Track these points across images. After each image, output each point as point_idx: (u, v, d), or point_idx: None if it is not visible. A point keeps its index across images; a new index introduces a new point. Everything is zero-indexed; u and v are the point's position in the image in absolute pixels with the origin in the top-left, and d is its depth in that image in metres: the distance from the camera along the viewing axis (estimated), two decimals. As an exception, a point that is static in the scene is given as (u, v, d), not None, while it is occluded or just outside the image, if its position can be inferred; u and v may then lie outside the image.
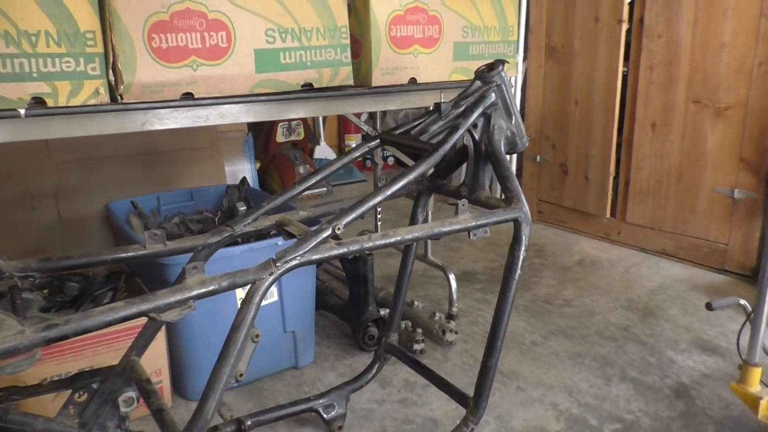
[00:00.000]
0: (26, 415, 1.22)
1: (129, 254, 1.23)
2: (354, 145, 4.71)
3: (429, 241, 2.33)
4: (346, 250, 1.17)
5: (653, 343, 2.12)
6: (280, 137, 3.92)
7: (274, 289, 1.81)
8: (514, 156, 3.42)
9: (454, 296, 2.26)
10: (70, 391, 1.27)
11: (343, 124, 4.65)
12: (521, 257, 1.35)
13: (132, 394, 1.29)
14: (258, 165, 3.24)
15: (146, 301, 0.97)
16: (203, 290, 1.02)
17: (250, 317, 1.05)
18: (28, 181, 2.35)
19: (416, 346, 1.98)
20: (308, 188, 1.40)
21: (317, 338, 2.07)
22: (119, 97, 1.33)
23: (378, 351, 1.71)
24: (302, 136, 4.09)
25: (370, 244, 1.19)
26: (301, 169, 3.77)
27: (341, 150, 4.75)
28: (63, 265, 1.17)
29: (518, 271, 1.36)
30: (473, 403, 1.42)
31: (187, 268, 1.03)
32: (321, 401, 1.60)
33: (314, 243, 1.12)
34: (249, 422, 1.48)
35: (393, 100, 1.80)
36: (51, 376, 1.47)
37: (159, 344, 1.69)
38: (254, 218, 1.34)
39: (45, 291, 1.78)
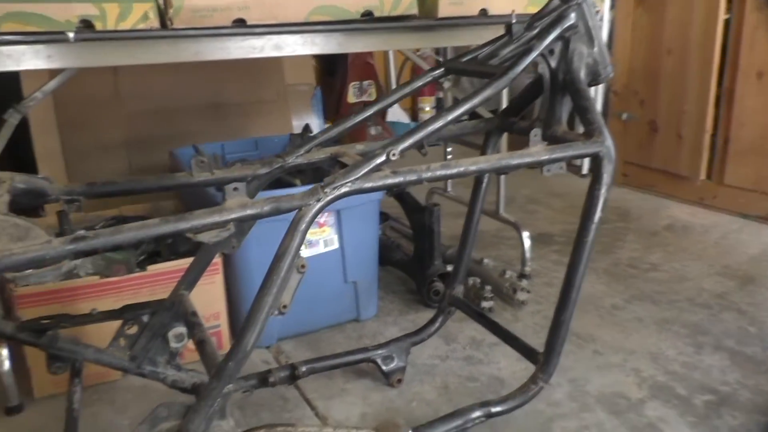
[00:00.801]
0: (77, 344, 1.20)
1: (175, 182, 1.17)
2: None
3: (502, 196, 2.18)
4: (402, 179, 1.06)
5: (753, 312, 1.89)
6: (351, 97, 3.83)
7: (334, 236, 1.74)
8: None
9: (528, 255, 2.11)
10: (120, 323, 1.25)
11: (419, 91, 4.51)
12: (602, 197, 1.20)
13: (182, 329, 1.25)
14: (328, 125, 3.17)
15: (183, 219, 0.90)
16: (243, 213, 0.95)
17: (295, 245, 0.97)
18: (100, 131, 2.38)
19: (484, 304, 1.86)
20: (366, 119, 1.30)
21: (381, 293, 1.99)
22: (169, 22, 1.27)
23: (442, 304, 1.60)
24: (374, 96, 3.98)
25: (429, 174, 1.08)
26: (373, 131, 3.68)
27: (415, 114, 4.62)
28: (107, 190, 1.13)
29: (598, 214, 1.21)
30: (543, 360, 1.29)
31: (227, 188, 0.96)
32: (379, 352, 1.52)
33: (366, 169, 1.02)
34: (303, 368, 1.42)
35: (461, 35, 1.66)
36: (108, 312, 1.46)
37: (217, 288, 1.65)
38: (307, 149, 1.26)
39: (109, 233, 1.78)
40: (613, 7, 3.09)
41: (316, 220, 1.71)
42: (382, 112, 4.14)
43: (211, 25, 1.31)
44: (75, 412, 1.25)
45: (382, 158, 1.04)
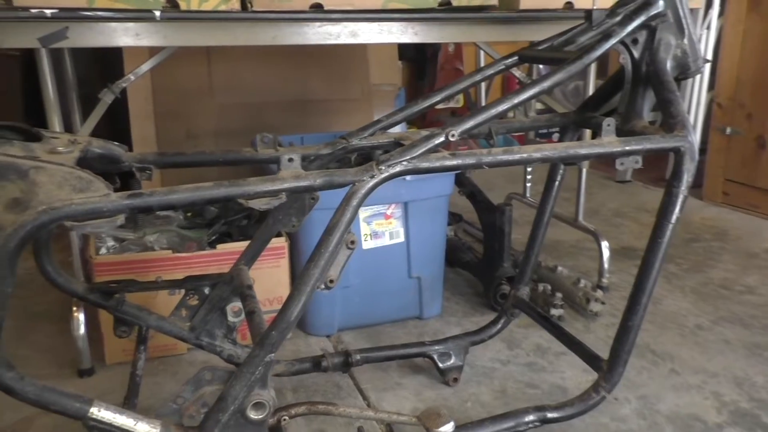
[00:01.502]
0: (141, 310, 1.26)
1: (240, 157, 1.20)
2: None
3: (581, 203, 2.08)
4: (460, 162, 1.03)
5: None
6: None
7: (400, 229, 1.72)
8: (698, 125, 2.99)
9: (606, 265, 2.00)
10: (182, 293, 1.29)
11: (506, 91, 4.43)
12: (681, 196, 1.12)
13: (240, 305, 1.27)
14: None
15: (236, 185, 0.92)
16: (296, 184, 0.95)
17: (346, 220, 0.96)
18: (191, 122, 2.49)
19: (554, 311, 1.77)
20: (432, 105, 1.27)
21: (447, 294, 1.95)
22: (249, 5, 1.31)
23: (505, 305, 1.54)
24: (461, 103, 3.95)
25: (490, 158, 1.04)
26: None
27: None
28: (177, 160, 1.17)
29: (675, 214, 1.13)
30: (607, 367, 1.21)
31: (282, 159, 0.96)
32: (436, 348, 1.48)
33: (423, 149, 1.00)
34: (358, 357, 1.41)
35: (543, 29, 1.59)
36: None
37: (282, 272, 1.68)
38: (371, 132, 1.25)
39: (187, 213, 1.86)
40: (722, 14, 2.90)
41: (383, 212, 1.72)
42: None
43: (289, 9, 1.33)
44: (138, 378, 1.30)
45: (441, 139, 1.01)
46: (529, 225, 2.31)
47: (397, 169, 0.99)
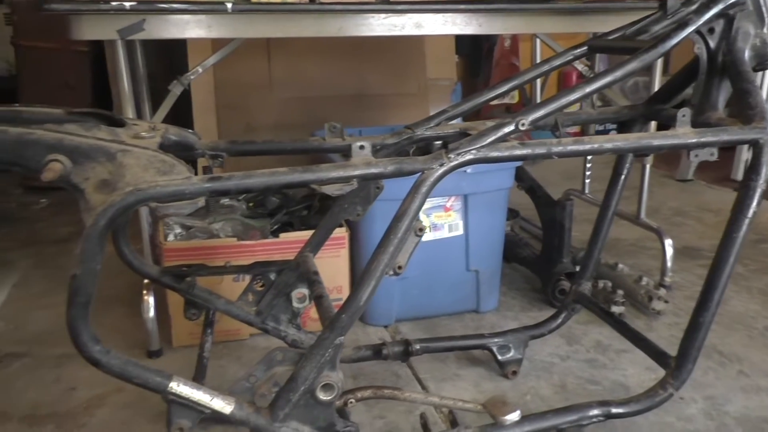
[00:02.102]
0: (210, 294, 1.30)
1: (308, 145, 1.22)
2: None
3: (644, 200, 2.03)
4: (529, 151, 1.02)
5: None
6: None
7: (459, 222, 1.72)
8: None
9: (669, 264, 1.95)
10: (248, 280, 1.32)
11: (563, 87, 4.36)
12: (759, 190, 1.08)
13: (305, 291, 1.30)
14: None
15: (309, 171, 0.94)
16: (367, 171, 0.96)
17: (415, 208, 0.96)
18: (251, 115, 2.55)
19: (614, 308, 1.74)
20: (500, 95, 1.27)
21: (504, 289, 1.94)
22: (317, -3, 1.34)
23: (566, 300, 1.53)
24: (516, 99, 3.91)
25: (560, 148, 1.03)
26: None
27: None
28: (247, 148, 1.21)
29: (753, 208, 1.09)
30: (675, 364, 1.19)
31: (354, 146, 0.98)
32: (496, 340, 1.47)
33: (493, 138, 1.00)
34: (417, 346, 1.41)
35: (610, 20, 1.57)
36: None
37: (341, 261, 1.70)
38: (437, 122, 1.25)
39: (250, 203, 1.91)
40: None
41: (442, 204, 1.72)
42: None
43: (356, 0, 1.35)
44: (205, 360, 1.35)
45: (511, 128, 1.01)
46: (587, 222, 2.29)
47: (467, 157, 0.99)
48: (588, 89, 1.04)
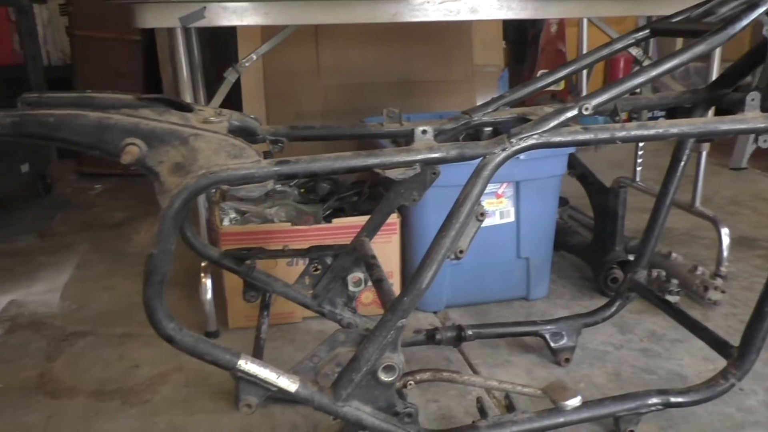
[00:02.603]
0: (269, 276, 1.33)
1: (366, 131, 1.24)
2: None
3: (699, 188, 1.98)
4: (592, 136, 1.02)
5: None
6: (538, 85, 3.73)
7: (511, 208, 1.71)
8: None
9: (725, 253, 1.91)
10: (301, 266, 1.35)
11: (609, 76, 4.27)
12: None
13: (360, 275, 1.32)
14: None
15: (373, 155, 0.95)
16: (429, 155, 0.97)
17: (476, 192, 0.97)
18: (299, 102, 2.58)
19: (669, 298, 1.69)
20: (558, 80, 1.26)
21: (553, 277, 1.92)
22: (373, -17, 1.34)
23: (621, 288, 1.51)
24: (563, 86, 3.84)
25: (623, 133, 1.02)
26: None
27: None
28: (306, 133, 1.22)
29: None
30: (738, 354, 1.17)
31: (416, 130, 0.99)
32: (549, 327, 1.47)
33: (555, 122, 1.00)
34: (470, 332, 1.42)
35: (669, 3, 1.53)
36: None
37: (393, 247, 1.71)
38: (494, 108, 1.25)
39: (301, 189, 1.94)
40: None
41: (494, 190, 1.72)
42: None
43: (411, -14, 1.35)
44: (262, 341, 1.38)
45: (574, 112, 1.00)
46: (638, 210, 2.26)
47: (529, 142, 0.99)
48: (654, 72, 1.02)
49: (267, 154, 1.25)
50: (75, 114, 0.88)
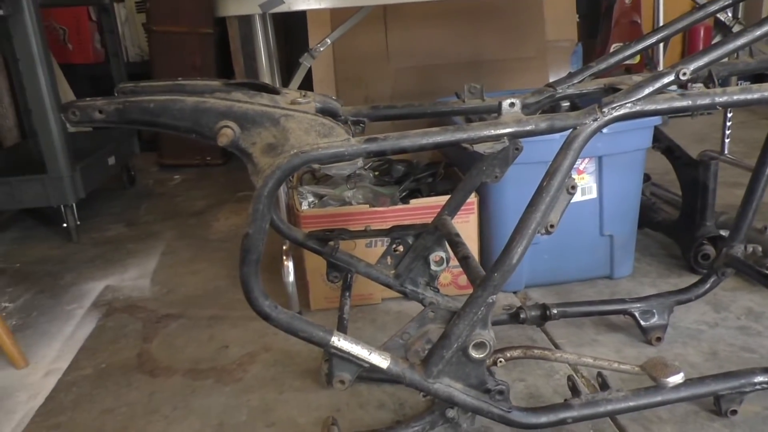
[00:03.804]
0: (351, 257, 1.34)
1: (448, 108, 1.23)
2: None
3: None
4: (690, 102, 0.97)
5: None
6: (612, 59, 3.60)
7: (593, 184, 1.66)
8: None
9: (827, 227, 1.79)
10: (381, 247, 1.35)
11: (688, 47, 4.06)
12: None
13: (442, 254, 1.31)
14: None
15: (461, 130, 0.94)
16: (518, 128, 0.95)
17: (567, 164, 0.94)
18: (369, 85, 2.59)
19: (766, 274, 1.62)
20: (649, 46, 1.21)
21: (637, 255, 1.85)
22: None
23: (716, 263, 1.44)
24: (638, 60, 3.68)
25: (725, 98, 0.97)
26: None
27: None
28: (388, 113, 1.22)
29: None
30: None
31: (504, 104, 0.97)
32: (638, 305, 1.42)
33: (650, 89, 0.95)
34: (555, 311, 1.39)
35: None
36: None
37: (470, 227, 1.70)
38: (580, 79, 1.21)
39: (375, 172, 1.95)
40: None
41: (575, 166, 1.67)
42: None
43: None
44: (345, 321, 1.40)
45: (670, 77, 0.96)
46: (725, 185, 2.15)
47: (622, 111, 0.95)
48: (758, 32, 0.96)
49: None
50: (173, 99, 0.91)
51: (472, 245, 1.72)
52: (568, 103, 1.47)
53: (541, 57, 2.69)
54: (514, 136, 0.96)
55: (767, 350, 1.39)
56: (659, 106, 0.96)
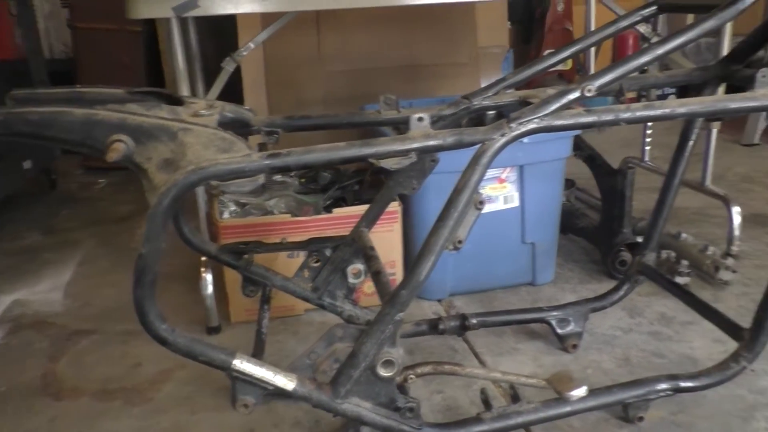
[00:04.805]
0: (267, 270, 1.31)
1: (363, 119, 1.21)
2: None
3: (709, 165, 1.94)
4: (596, 118, 0.98)
5: None
6: (544, 65, 3.67)
7: (515, 193, 1.68)
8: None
9: (736, 232, 1.86)
10: (301, 258, 1.32)
11: (618, 54, 4.18)
12: None
13: (360, 266, 1.30)
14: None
15: (368, 145, 0.92)
16: (425, 143, 0.94)
17: (475, 180, 0.94)
18: (301, 90, 2.54)
19: (679, 279, 1.67)
20: (561, 61, 1.22)
21: (560, 261, 1.89)
22: (368, -34, 1.30)
23: (629, 271, 1.48)
24: (569, 66, 3.77)
25: (628, 114, 0.98)
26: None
27: (613, 85, 4.30)
28: (303, 123, 1.19)
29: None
30: (749, 336, 1.14)
31: (411, 118, 0.96)
32: (555, 313, 1.44)
33: (557, 105, 0.96)
34: (474, 320, 1.40)
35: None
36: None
37: (394, 236, 1.69)
38: (495, 92, 1.21)
39: (302, 179, 1.91)
40: None
41: (497, 175, 1.68)
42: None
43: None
44: (263, 335, 1.36)
45: (576, 94, 0.97)
46: (647, 190, 2.22)
47: (529, 126, 0.96)
48: (660, 51, 0.98)
49: (262, 146, 1.23)
50: (61, 111, 0.86)
51: (397, 254, 1.72)
52: (494, 113, 1.48)
53: (473, 63, 2.71)
54: (421, 151, 0.95)
55: (676, 355, 1.43)
56: (565, 122, 0.97)
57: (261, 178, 0.89)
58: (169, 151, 0.86)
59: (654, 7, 1.21)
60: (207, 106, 1.01)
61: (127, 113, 0.87)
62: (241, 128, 1.15)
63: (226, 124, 1.10)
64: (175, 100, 1.00)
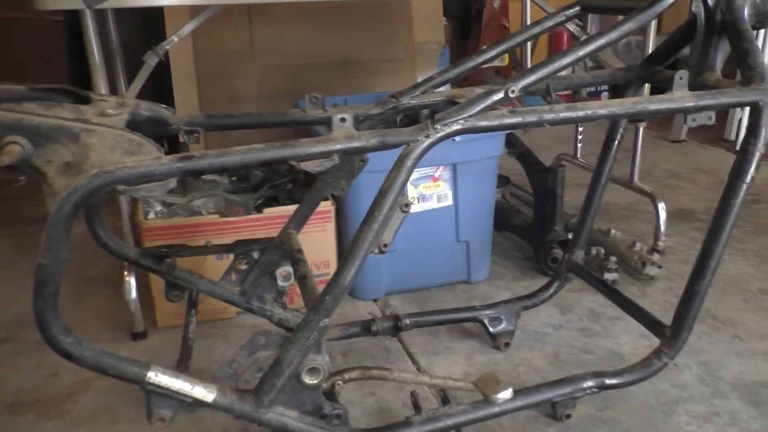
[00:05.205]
0: (191, 274, 1.25)
1: (288, 118, 1.17)
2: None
3: (636, 163, 1.99)
4: (519, 120, 0.98)
5: None
6: (482, 62, 3.70)
7: (449, 192, 1.68)
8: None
9: (662, 228, 1.92)
10: (232, 258, 1.28)
11: (554, 50, 4.27)
12: (757, 154, 1.04)
13: (289, 269, 1.26)
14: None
15: (288, 146, 0.89)
16: (348, 145, 0.91)
17: (400, 182, 0.92)
18: (233, 85, 2.47)
19: (608, 275, 1.71)
20: (489, 59, 1.21)
21: (495, 258, 1.90)
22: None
23: (559, 269, 1.50)
24: (506, 62, 3.82)
25: (552, 116, 0.98)
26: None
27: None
28: (225, 123, 1.15)
29: (750, 173, 1.05)
30: (670, 333, 1.16)
31: (334, 119, 0.93)
32: (487, 312, 1.45)
33: (482, 106, 0.95)
34: (407, 321, 1.39)
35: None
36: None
37: (328, 236, 1.66)
38: (423, 90, 1.20)
39: (232, 178, 1.85)
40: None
41: (430, 174, 1.67)
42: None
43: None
44: (190, 341, 1.31)
45: (500, 95, 0.96)
46: (580, 187, 2.25)
47: (454, 128, 0.94)
48: (581, 52, 0.99)
49: (182, 146, 1.17)
50: (-54, 111, 0.79)
51: (331, 254, 1.68)
52: (427, 111, 1.46)
53: (409, 58, 2.70)
54: (344, 153, 0.92)
55: (603, 351, 1.46)
56: (489, 123, 0.96)
57: (172, 183, 0.84)
58: (70, 154, 0.81)
59: (578, 8, 1.22)
60: (116, 105, 0.95)
61: (24, 113, 0.80)
62: (158, 127, 1.09)
63: (140, 124, 1.05)
64: (82, 98, 0.93)
